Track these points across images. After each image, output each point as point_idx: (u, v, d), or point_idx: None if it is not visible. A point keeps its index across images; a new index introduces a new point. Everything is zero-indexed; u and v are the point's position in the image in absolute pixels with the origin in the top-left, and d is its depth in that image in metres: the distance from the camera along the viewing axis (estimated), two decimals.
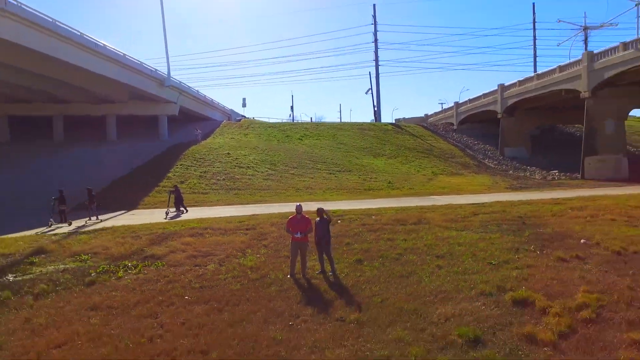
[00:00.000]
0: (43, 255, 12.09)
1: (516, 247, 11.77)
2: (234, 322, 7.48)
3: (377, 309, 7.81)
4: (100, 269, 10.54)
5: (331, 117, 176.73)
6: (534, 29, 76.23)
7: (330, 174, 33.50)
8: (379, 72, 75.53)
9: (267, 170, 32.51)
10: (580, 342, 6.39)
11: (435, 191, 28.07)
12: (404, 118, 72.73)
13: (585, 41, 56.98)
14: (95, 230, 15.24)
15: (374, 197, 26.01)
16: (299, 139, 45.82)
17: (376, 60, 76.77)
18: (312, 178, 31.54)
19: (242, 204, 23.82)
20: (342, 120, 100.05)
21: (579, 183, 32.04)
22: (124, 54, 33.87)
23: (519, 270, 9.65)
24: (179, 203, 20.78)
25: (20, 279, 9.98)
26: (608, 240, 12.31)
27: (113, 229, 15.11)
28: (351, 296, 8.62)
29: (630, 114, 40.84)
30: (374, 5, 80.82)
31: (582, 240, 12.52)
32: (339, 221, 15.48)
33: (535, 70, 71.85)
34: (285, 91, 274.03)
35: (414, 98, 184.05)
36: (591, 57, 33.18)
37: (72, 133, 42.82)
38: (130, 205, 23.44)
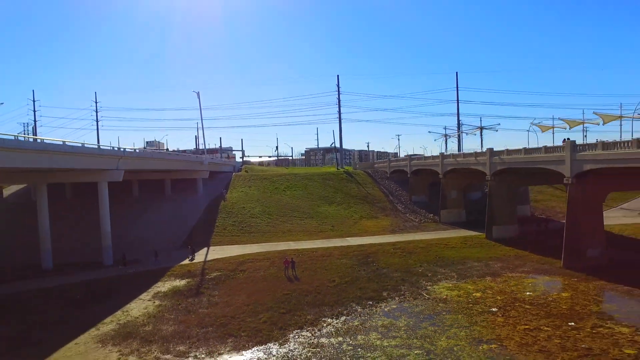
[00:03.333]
0: (206, 270, 38.96)
1: (351, 265, 39.12)
2: (274, 284, 34.35)
3: (304, 281, 34.85)
4: (231, 273, 37.44)
5: (309, 145, 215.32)
6: (457, 97, 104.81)
7: (301, 220, 60.62)
8: (342, 127, 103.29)
9: (267, 219, 59.47)
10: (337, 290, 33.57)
11: (353, 232, 55.41)
12: (358, 163, 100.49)
13: (446, 142, 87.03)
14: (211, 260, 42.11)
15: (322, 237, 53.19)
16: (284, 190, 72.71)
17: (339, 118, 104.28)
18: (291, 224, 58.65)
19: (258, 242, 50.69)
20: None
21: (434, 226, 59.73)
22: (188, 154, 60.66)
23: (344, 272, 36.91)
24: (193, 252, 46.40)
25: (211, 277, 36.80)
26: (383, 262, 39.81)
27: (218, 260, 42.00)
28: (299, 279, 35.61)
29: None
30: (337, 75, 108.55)
31: (374, 263, 39.96)
32: (299, 255, 42.61)
33: (458, 124, 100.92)
34: (272, 132, 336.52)
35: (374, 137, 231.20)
36: (442, 155, 61.32)
37: (141, 190, 68.90)
38: (205, 244, 50.07)
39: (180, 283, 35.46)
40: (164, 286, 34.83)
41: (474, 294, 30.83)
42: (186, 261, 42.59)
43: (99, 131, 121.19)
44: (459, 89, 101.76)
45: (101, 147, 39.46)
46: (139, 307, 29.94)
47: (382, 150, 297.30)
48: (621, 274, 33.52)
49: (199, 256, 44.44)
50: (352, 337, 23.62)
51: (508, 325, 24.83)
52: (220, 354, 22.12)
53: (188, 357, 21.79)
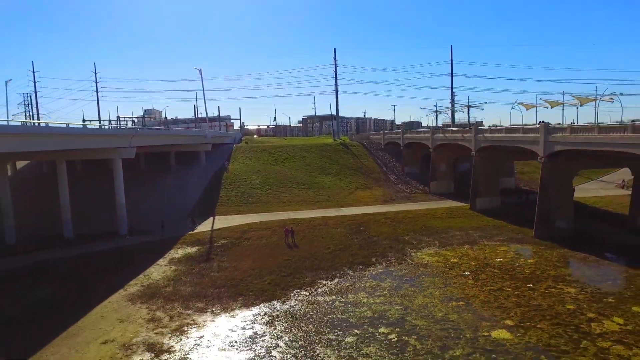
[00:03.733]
0: (214, 238, 43.18)
1: (344, 234, 43.40)
2: (275, 251, 38.60)
3: (302, 248, 39.13)
4: (237, 241, 41.70)
5: (307, 114, 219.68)
6: (452, 71, 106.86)
7: (300, 190, 64.57)
8: (338, 98, 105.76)
9: (267, 190, 63.40)
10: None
11: (348, 203, 59.53)
12: (355, 134, 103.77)
13: (437, 118, 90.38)
14: (218, 229, 46.28)
15: (318, 207, 57.25)
16: (282, 161, 76.32)
17: (336, 91, 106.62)
18: (290, 195, 62.64)
19: (258, 212, 54.77)
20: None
21: (424, 197, 63.77)
22: (193, 130, 63.80)
23: (338, 240, 41.19)
24: (194, 223, 50.36)
25: (219, 244, 41.04)
26: (374, 231, 44.09)
27: (224, 229, 46.18)
28: (297, 246, 39.88)
29: None
30: (334, 49, 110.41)
31: (365, 232, 44.23)
32: (298, 224, 46.79)
33: (452, 98, 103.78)
34: (270, 102, 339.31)
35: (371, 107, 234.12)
36: (433, 131, 64.79)
37: (146, 162, 72.35)
38: (211, 214, 54.09)
39: (191, 250, 39.70)
40: (177, 253, 39.06)
41: (451, 260, 35.18)
42: (196, 229, 46.72)
43: (99, 102, 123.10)
44: (453, 62, 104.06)
45: (116, 127, 42.91)
46: (158, 271, 34.21)
47: (379, 118, 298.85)
48: (583, 243, 37.94)
49: (206, 226, 48.59)
50: (343, 296, 28.00)
51: (476, 287, 29.23)
52: (232, 309, 26.48)
53: (206, 312, 26.15)
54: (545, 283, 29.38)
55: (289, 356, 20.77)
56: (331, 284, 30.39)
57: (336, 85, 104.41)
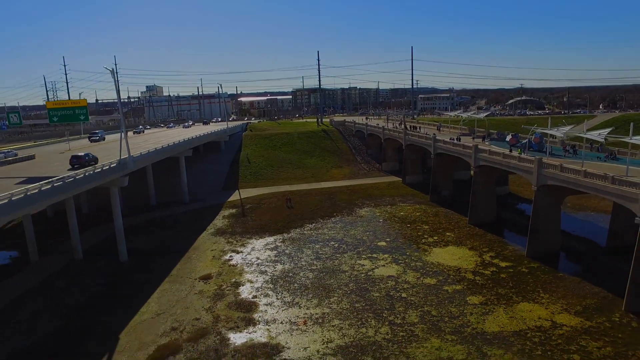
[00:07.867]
0: (244, 204, 73.01)
1: (321, 200, 73.47)
2: (281, 211, 68.41)
3: (296, 209, 69.03)
4: (257, 205, 71.50)
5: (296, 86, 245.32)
6: (412, 70, 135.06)
7: (292, 170, 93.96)
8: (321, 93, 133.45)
9: (270, 169, 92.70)
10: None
11: (325, 179, 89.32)
12: (333, 120, 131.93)
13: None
14: (245, 198, 76.09)
15: (305, 182, 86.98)
16: (279, 147, 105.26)
17: (319, 87, 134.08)
18: (286, 173, 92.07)
19: (266, 186, 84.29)
20: None
21: (377, 173, 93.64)
22: (222, 130, 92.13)
23: (317, 204, 71.27)
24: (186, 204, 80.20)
25: (247, 207, 70.84)
26: (339, 198, 74.24)
27: (247, 197, 76.02)
28: (293, 207, 69.71)
29: None
30: (318, 51, 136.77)
31: (333, 199, 74.32)
32: (292, 194, 76.71)
33: (412, 92, 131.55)
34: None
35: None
36: (383, 128, 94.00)
37: None
38: (236, 188, 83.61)
39: (233, 211, 69.39)
40: (225, 212, 68.75)
41: (377, 214, 65.46)
42: (230, 199, 76.22)
43: (114, 85, 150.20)
44: (413, 60, 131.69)
45: (184, 142, 72.08)
46: (219, 222, 64.00)
47: (364, 87, 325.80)
48: (454, 203, 68.28)
49: (235, 196, 77.96)
50: (316, 231, 58.19)
51: (382, 226, 59.53)
52: (264, 237, 56.53)
53: (252, 238, 56.17)
54: (416, 224, 59.80)
55: (292, 252, 51.00)
56: (311, 226, 60.56)
57: (320, 83, 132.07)
